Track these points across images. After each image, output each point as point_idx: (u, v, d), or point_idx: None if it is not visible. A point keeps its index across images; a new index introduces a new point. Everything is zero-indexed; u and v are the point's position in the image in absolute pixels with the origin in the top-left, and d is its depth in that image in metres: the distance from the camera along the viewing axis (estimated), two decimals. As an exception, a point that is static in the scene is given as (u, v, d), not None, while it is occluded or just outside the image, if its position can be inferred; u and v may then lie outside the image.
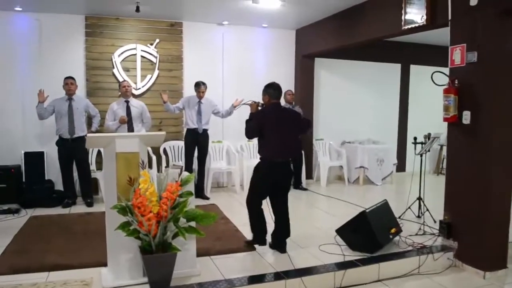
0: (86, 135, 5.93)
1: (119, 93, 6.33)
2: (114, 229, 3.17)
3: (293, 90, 7.65)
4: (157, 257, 3.18)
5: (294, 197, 6.86)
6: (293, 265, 3.84)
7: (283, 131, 4.14)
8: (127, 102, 6.17)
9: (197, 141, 6.46)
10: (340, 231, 4.46)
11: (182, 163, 6.97)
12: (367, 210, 4.28)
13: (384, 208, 4.65)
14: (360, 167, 7.92)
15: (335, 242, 4.52)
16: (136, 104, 6.23)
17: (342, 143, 8.48)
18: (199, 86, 6.38)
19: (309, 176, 8.02)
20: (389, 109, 9.01)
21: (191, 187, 3.46)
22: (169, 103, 6.32)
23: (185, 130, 6.70)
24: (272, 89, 4.28)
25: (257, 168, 4.26)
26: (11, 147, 6.32)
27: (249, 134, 4.28)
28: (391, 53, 8.68)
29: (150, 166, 6.13)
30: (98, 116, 6.24)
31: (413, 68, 9.16)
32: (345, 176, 8.04)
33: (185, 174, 3.49)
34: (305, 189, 7.40)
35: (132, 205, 3.13)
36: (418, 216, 5.42)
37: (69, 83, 5.90)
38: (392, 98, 9.05)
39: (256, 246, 4.30)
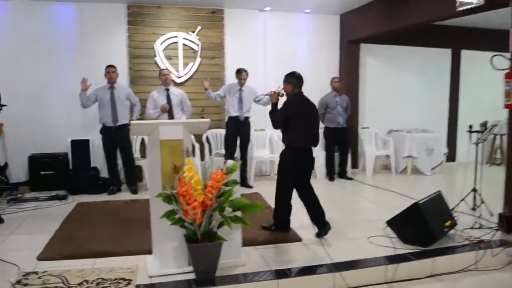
0: (129, 123, 6.05)
1: (160, 82, 6.31)
2: (159, 218, 3.11)
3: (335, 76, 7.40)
4: (202, 246, 3.10)
5: (339, 186, 6.69)
6: (341, 258, 3.67)
7: (308, 119, 4.20)
8: (167, 90, 6.14)
9: (238, 129, 6.36)
10: (391, 223, 4.25)
11: (224, 151, 6.92)
12: (420, 202, 4.05)
13: (438, 200, 4.39)
14: (408, 156, 7.59)
15: (385, 234, 4.31)
16: (176, 92, 6.20)
17: (389, 131, 8.17)
18: (240, 73, 6.26)
19: (355, 165, 7.78)
20: (438, 96, 8.60)
21: (236, 175, 3.35)
22: (210, 91, 6.25)
23: (226, 118, 6.61)
24: (295, 79, 4.24)
25: (283, 156, 4.26)
26: (58, 136, 6.45)
27: (278, 125, 4.26)
28: (440, 38, 8.24)
29: (194, 154, 6.09)
30: (138, 105, 6.23)
31: (465, 54, 8.67)
32: (392, 166, 7.73)
33: (230, 162, 3.38)
34: (350, 179, 7.18)
35: (177, 193, 3.06)
36: (473, 209, 5.08)
37: (110, 71, 5.93)
38: (442, 85, 8.62)
39: (302, 237, 4.17)
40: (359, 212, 5.23)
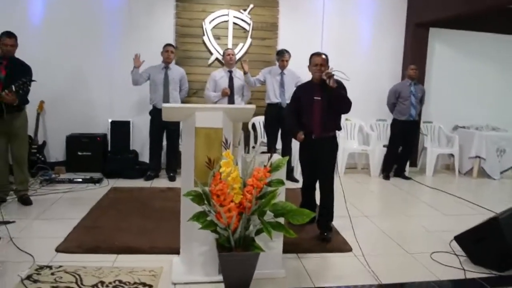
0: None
1: (224, 62, 5.89)
2: (187, 219, 2.66)
3: (401, 64, 6.69)
4: (236, 256, 2.63)
5: (395, 186, 6.04)
6: (397, 277, 3.11)
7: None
8: (230, 72, 5.70)
9: (280, 117, 5.76)
10: (461, 239, 3.59)
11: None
12: (500, 216, 3.37)
13: (519, 214, 3.68)
14: (476, 156, 6.77)
15: (451, 250, 3.68)
16: (239, 75, 5.76)
17: (454, 127, 7.35)
18: (283, 54, 5.69)
19: (413, 163, 7.03)
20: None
21: (282, 174, 2.84)
22: (249, 75, 5.71)
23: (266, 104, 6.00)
24: None
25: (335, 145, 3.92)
26: (99, 116, 6.18)
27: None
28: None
29: (238, 143, 5.62)
30: (185, 90, 5.86)
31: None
32: (456, 166, 6.94)
33: (276, 157, 2.87)
34: (408, 178, 6.47)
35: (210, 192, 2.60)
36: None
37: (169, 50, 5.57)
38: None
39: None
40: (419, 219, 4.57)
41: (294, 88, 5.65)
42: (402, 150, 6.51)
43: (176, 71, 5.70)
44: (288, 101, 5.68)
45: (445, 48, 7.16)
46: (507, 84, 7.52)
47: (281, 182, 2.77)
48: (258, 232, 2.70)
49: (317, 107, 3.69)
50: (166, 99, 5.52)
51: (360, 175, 6.67)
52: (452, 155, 7.10)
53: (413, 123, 6.37)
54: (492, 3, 5.37)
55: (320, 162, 3.76)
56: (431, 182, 6.35)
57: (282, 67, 5.71)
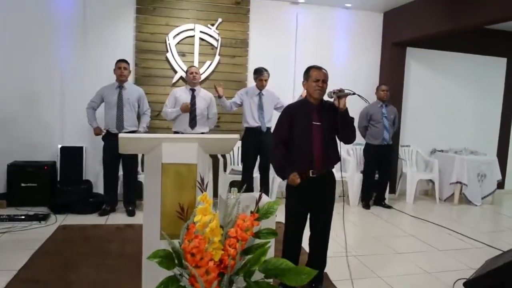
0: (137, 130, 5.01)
1: (187, 81, 5.29)
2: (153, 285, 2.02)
3: (378, 84, 6.31)
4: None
5: (377, 216, 5.61)
6: None
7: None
8: (193, 90, 5.09)
9: (260, 143, 5.23)
10: (472, 286, 3.12)
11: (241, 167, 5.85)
12: (516, 260, 2.93)
13: (532, 255, 3.26)
14: (457, 182, 6.44)
15: (459, 298, 3.22)
16: (203, 95, 5.14)
17: (432, 151, 7.04)
18: (261, 73, 5.15)
19: (391, 190, 6.62)
20: (490, 113, 7.44)
21: (272, 221, 2.27)
22: (224, 98, 5.15)
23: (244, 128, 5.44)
24: None
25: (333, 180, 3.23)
26: (46, 140, 5.42)
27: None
28: (495, 44, 7.11)
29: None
30: (148, 114, 5.19)
31: (523, 64, 7.51)
32: (436, 193, 6.59)
33: (266, 199, 2.30)
34: (389, 207, 6.03)
35: (183, 250, 1.98)
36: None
37: (122, 67, 4.92)
38: (495, 100, 7.45)
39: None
40: (413, 258, 4.08)
41: (274, 111, 5.25)
42: (379, 177, 6.09)
43: (133, 91, 5.05)
44: (268, 125, 5.21)
45: (422, 68, 6.88)
46: (484, 106, 7.34)
47: (272, 233, 2.19)
48: (244, 297, 2.10)
49: (317, 134, 2.97)
50: (119, 122, 4.87)
51: (339, 204, 6.16)
52: (431, 181, 6.77)
53: (387, 147, 5.95)
54: (468, 23, 5.14)
55: (318, 205, 3.08)
56: (413, 211, 5.94)
57: (261, 87, 5.19)
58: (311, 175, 2.97)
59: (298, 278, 2.08)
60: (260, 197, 2.23)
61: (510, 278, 2.90)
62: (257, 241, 2.18)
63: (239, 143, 5.44)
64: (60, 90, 5.45)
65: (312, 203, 3.05)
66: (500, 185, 7.28)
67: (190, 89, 5.09)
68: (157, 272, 2.08)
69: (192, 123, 4.99)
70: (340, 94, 2.88)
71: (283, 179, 3.12)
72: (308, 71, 3.07)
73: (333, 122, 2.96)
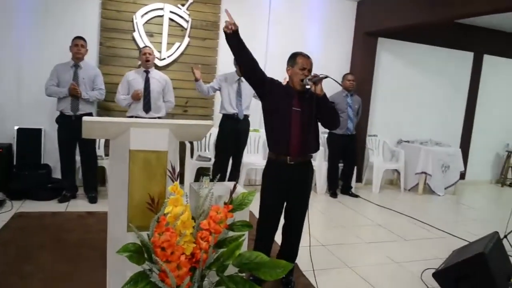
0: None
1: (139, 62, 5.03)
2: (122, 285, 1.87)
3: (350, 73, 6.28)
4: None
5: (344, 205, 5.62)
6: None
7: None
8: (146, 72, 4.84)
9: (236, 130, 5.08)
10: (441, 276, 3.14)
11: (209, 153, 5.71)
12: (486, 251, 2.95)
13: (499, 246, 3.31)
14: (422, 172, 6.54)
15: (425, 285, 3.24)
16: (158, 77, 4.89)
17: (398, 141, 7.11)
18: None
19: (358, 178, 6.65)
20: (455, 105, 7.58)
21: (245, 213, 2.16)
22: (201, 82, 4.94)
23: (220, 115, 5.25)
24: None
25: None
26: (2, 122, 5.07)
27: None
28: (463, 38, 7.21)
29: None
30: (101, 92, 4.82)
31: (487, 59, 7.66)
32: (402, 182, 6.68)
33: (240, 190, 2.19)
34: (356, 196, 6.05)
35: (152, 244, 1.85)
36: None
37: (79, 44, 4.61)
38: (460, 93, 7.59)
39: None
40: (381, 248, 4.10)
41: (252, 99, 5.09)
42: (344, 166, 6.10)
43: (88, 70, 4.73)
44: (246, 112, 5.07)
45: (392, 59, 6.89)
46: (449, 98, 7.46)
47: (247, 225, 2.09)
48: (216, 290, 2.00)
49: (296, 120, 2.84)
50: (74, 104, 4.58)
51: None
52: (396, 171, 6.86)
53: (351, 137, 5.95)
54: (440, 17, 5.15)
55: (294, 195, 2.97)
56: (380, 200, 5.99)
57: (241, 73, 5.02)
58: (288, 161, 2.86)
59: (273, 272, 1.99)
60: (234, 187, 2.11)
61: (475, 269, 2.93)
62: (230, 233, 2.08)
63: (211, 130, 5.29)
64: (16, 68, 5.10)
65: (289, 192, 2.94)
66: (462, 175, 7.47)
67: (144, 71, 4.85)
68: (123, 265, 1.95)
69: (146, 107, 4.76)
70: (315, 79, 2.78)
71: (229, 40, 2.76)
72: (294, 57, 2.93)
73: (313, 109, 2.85)
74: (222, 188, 2.27)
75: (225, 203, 2.07)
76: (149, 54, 4.82)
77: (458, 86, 7.52)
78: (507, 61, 7.73)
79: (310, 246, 3.01)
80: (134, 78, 4.79)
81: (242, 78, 5.00)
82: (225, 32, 2.70)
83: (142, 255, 1.83)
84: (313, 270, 3.04)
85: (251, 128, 5.75)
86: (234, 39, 2.71)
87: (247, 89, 5.01)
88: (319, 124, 2.99)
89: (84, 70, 4.68)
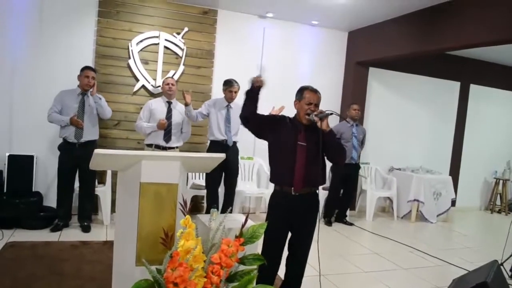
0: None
1: (162, 92, 5.10)
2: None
3: (340, 102, 6.37)
4: None
5: (341, 234, 5.63)
6: None
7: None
8: (169, 103, 4.90)
9: (225, 158, 5.05)
10: (445, 308, 3.13)
11: (203, 181, 5.66)
12: (488, 280, 2.95)
13: (499, 275, 3.31)
14: (414, 200, 6.59)
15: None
16: (179, 108, 4.95)
17: (390, 169, 7.17)
18: (231, 85, 4.98)
19: (351, 206, 6.64)
20: (443, 133, 7.70)
21: (255, 246, 2.14)
22: (191, 107, 4.94)
23: (208, 142, 5.26)
24: None
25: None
26: (-7, 148, 4.99)
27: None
28: (450, 68, 7.42)
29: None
30: (109, 110, 4.87)
31: (473, 88, 7.86)
32: (394, 210, 6.70)
33: (250, 223, 2.17)
34: (350, 224, 6.05)
35: (165, 280, 1.81)
36: (512, 277, 4.09)
37: (89, 76, 4.63)
38: (448, 121, 7.74)
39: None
40: (382, 278, 4.07)
41: (240, 125, 5.06)
42: (343, 195, 6.12)
43: (95, 97, 4.74)
44: (234, 139, 5.05)
45: (383, 88, 7.02)
46: (438, 126, 7.59)
47: (259, 259, 2.06)
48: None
49: (301, 155, 2.85)
50: (79, 132, 4.57)
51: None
52: (389, 198, 6.89)
53: (355, 166, 6.05)
54: (429, 48, 5.29)
55: (299, 226, 2.95)
56: (374, 228, 6.00)
57: (230, 99, 5.02)
58: (292, 192, 2.85)
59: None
60: (246, 220, 2.09)
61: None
62: (241, 267, 2.05)
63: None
64: (9, 93, 5.04)
65: (293, 223, 2.93)
66: (453, 202, 7.55)
67: (167, 101, 4.90)
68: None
69: (167, 137, 4.82)
70: (321, 115, 2.81)
71: (254, 84, 2.98)
72: (302, 91, 2.97)
73: (319, 143, 2.86)
74: (232, 220, 2.25)
75: (236, 236, 2.05)
76: (172, 84, 4.93)
77: (446, 114, 7.68)
78: (492, 90, 7.94)
79: (320, 275, 2.98)
80: (156, 108, 4.85)
81: (231, 104, 5.03)
82: (252, 84, 2.89)
83: (156, 292, 1.79)
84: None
85: (245, 156, 5.77)
86: (255, 93, 2.94)
87: (237, 115, 4.99)
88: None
89: (91, 98, 4.69)
